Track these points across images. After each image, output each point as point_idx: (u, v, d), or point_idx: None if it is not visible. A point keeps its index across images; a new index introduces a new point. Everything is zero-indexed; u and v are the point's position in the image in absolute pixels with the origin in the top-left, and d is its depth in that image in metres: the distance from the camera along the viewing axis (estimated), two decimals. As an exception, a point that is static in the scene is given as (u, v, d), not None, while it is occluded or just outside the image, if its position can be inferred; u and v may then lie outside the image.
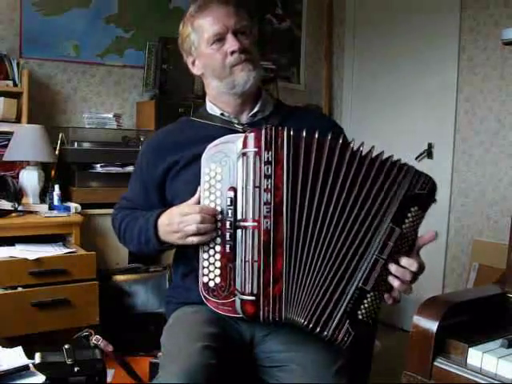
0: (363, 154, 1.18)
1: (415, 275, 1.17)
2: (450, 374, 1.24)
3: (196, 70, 1.43)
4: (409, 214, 1.17)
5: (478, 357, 1.21)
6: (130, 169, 2.65)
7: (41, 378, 1.41)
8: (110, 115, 2.87)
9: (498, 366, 1.18)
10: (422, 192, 1.18)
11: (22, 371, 1.41)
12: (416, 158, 3.21)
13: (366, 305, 1.16)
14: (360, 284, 1.15)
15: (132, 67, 3.14)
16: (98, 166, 2.64)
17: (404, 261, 1.16)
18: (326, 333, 1.16)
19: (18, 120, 2.62)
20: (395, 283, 1.16)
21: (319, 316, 1.16)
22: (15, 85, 2.62)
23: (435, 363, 1.27)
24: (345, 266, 1.16)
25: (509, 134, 2.82)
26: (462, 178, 3.05)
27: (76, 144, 2.66)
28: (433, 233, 1.18)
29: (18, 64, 2.64)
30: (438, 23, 3.13)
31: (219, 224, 1.20)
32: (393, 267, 1.15)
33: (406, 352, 1.33)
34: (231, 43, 1.32)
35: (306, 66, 3.82)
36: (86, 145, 2.69)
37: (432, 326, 1.27)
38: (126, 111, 3.10)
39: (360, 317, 1.16)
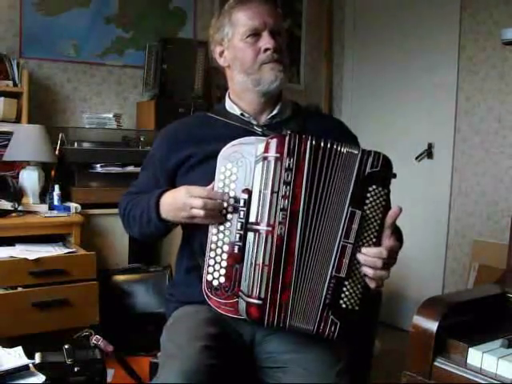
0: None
1: (388, 261, 1.16)
2: (450, 374, 1.24)
3: (222, 62, 1.42)
4: (368, 195, 1.16)
5: (478, 357, 1.22)
6: (130, 169, 2.65)
7: (41, 378, 1.41)
8: (110, 115, 2.87)
9: (498, 365, 1.18)
10: (375, 170, 1.17)
11: (22, 371, 1.42)
12: (416, 158, 3.21)
13: (347, 292, 1.16)
14: (333, 273, 1.16)
15: (132, 67, 3.14)
16: (98, 166, 2.63)
17: (372, 251, 1.15)
18: (311, 327, 1.16)
19: (18, 120, 2.62)
20: (369, 272, 1.16)
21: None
22: (15, 85, 2.62)
23: (435, 363, 1.27)
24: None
25: (509, 134, 2.82)
26: (462, 178, 3.05)
27: (76, 144, 2.66)
28: (396, 208, 1.17)
29: (17, 64, 2.64)
30: (437, 23, 3.13)
31: (229, 223, 1.20)
32: (361, 257, 1.15)
33: (406, 352, 1.34)
34: (267, 40, 1.32)
35: (306, 66, 3.82)
36: (85, 145, 2.69)
37: (432, 326, 1.27)
38: (125, 111, 3.10)
39: (344, 305, 1.16)
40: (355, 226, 1.16)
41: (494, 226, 2.87)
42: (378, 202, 1.17)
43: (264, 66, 1.33)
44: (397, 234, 1.22)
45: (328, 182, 1.17)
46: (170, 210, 1.27)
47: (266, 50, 1.32)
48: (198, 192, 1.21)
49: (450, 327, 1.29)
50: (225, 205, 1.21)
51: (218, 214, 1.20)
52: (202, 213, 1.19)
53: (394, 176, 1.19)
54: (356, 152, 1.17)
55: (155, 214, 1.29)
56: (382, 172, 1.17)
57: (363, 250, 1.16)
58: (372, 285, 1.17)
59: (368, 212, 1.16)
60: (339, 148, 1.17)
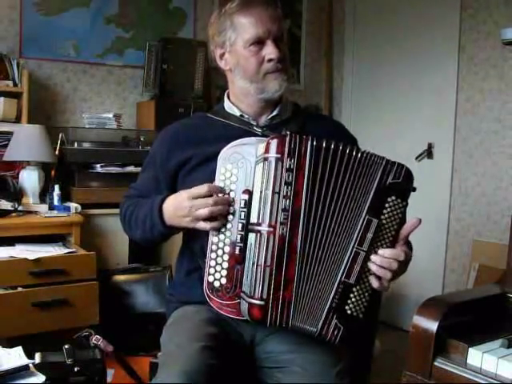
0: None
1: (401, 265, 1.17)
2: (450, 374, 1.24)
3: (224, 65, 1.40)
4: (386, 205, 1.16)
5: (478, 357, 1.22)
6: (130, 169, 2.65)
7: (41, 377, 1.41)
8: (110, 115, 2.87)
9: (498, 365, 1.18)
10: (396, 181, 1.17)
11: (22, 371, 1.42)
12: (416, 158, 3.21)
13: (354, 299, 1.16)
14: (343, 278, 1.16)
15: (132, 67, 3.14)
16: (98, 166, 2.64)
17: (390, 252, 1.15)
18: (314, 329, 1.16)
19: (17, 120, 2.62)
20: (381, 273, 1.16)
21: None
22: (15, 85, 2.62)
23: (435, 363, 1.27)
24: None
25: (509, 134, 2.82)
26: (462, 178, 3.05)
27: (76, 144, 2.66)
28: (415, 220, 1.17)
29: (17, 64, 2.64)
30: (437, 23, 3.13)
31: (230, 224, 1.20)
32: (378, 259, 1.15)
33: (406, 352, 1.33)
34: (271, 50, 1.30)
35: (306, 66, 3.82)
36: (86, 145, 2.69)
37: (432, 326, 1.27)
38: (126, 111, 3.10)
39: (349, 311, 1.16)
40: (370, 235, 1.15)
41: (493, 226, 2.87)
42: (395, 213, 1.17)
43: (268, 75, 1.32)
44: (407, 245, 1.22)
45: (336, 185, 1.16)
46: (173, 216, 1.26)
47: (270, 60, 1.31)
48: (198, 191, 1.21)
49: (450, 327, 1.29)
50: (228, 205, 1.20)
51: (224, 210, 1.19)
52: (212, 210, 1.18)
53: (414, 189, 1.19)
54: (379, 161, 1.17)
55: (159, 221, 1.28)
56: (402, 184, 1.17)
57: (380, 251, 1.16)
58: (375, 285, 1.17)
59: (384, 222, 1.16)
60: (350, 151, 1.17)
